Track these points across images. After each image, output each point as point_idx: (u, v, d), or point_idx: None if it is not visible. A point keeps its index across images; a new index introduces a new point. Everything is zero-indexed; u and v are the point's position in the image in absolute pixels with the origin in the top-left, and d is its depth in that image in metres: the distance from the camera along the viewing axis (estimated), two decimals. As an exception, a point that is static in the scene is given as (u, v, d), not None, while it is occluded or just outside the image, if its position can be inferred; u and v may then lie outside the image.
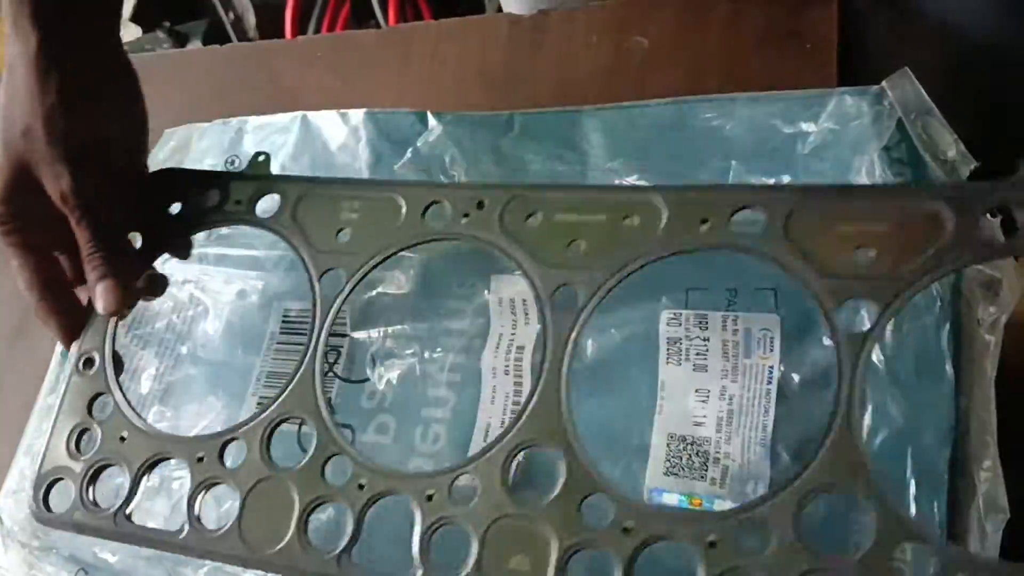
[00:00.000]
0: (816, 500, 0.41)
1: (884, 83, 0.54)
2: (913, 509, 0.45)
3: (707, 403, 0.50)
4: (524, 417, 0.47)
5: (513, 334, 0.54)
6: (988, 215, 0.41)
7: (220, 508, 0.53)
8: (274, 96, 0.76)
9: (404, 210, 0.53)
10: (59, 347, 0.66)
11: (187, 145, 0.73)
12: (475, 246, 0.51)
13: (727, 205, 0.46)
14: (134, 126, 0.57)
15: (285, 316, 0.62)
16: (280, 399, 0.52)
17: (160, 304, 0.65)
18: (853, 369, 0.42)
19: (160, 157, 0.73)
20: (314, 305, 0.53)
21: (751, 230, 0.46)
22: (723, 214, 0.46)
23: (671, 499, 0.49)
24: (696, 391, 0.50)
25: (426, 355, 0.58)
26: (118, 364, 0.56)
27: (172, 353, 0.63)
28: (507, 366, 0.55)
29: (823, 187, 0.45)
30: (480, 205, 0.52)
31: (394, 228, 0.53)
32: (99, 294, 0.54)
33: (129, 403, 0.55)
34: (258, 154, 0.59)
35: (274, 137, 0.70)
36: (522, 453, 0.47)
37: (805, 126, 0.56)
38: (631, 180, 0.58)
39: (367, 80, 0.75)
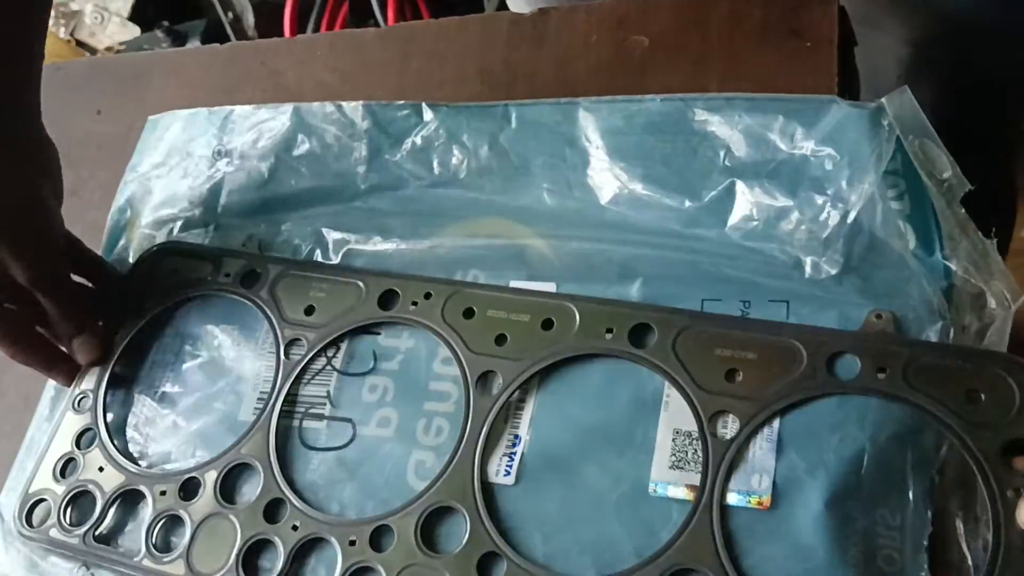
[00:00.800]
0: (675, 576, 0.49)
1: (884, 100, 0.55)
2: (910, 505, 0.48)
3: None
4: (442, 480, 0.55)
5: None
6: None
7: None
8: (274, 95, 0.77)
9: (364, 295, 0.62)
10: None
11: (173, 135, 0.76)
12: (419, 329, 0.60)
13: (628, 320, 0.55)
14: (57, 195, 0.65)
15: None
16: (240, 444, 0.60)
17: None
18: (717, 468, 0.50)
19: (146, 151, 0.76)
20: (277, 368, 0.62)
21: (648, 341, 0.55)
22: (624, 327, 0.55)
23: (676, 492, 0.51)
24: None
25: (428, 349, 0.61)
26: (106, 405, 0.65)
27: (176, 352, 0.67)
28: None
29: (709, 315, 0.54)
30: (428, 296, 0.60)
31: (353, 310, 0.62)
32: (76, 349, 0.64)
33: (112, 440, 0.63)
34: (250, 235, 0.68)
35: (263, 127, 0.71)
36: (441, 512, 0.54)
37: (804, 142, 0.57)
38: (636, 187, 0.60)
39: (366, 79, 0.76)
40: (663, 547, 0.49)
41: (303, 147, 0.70)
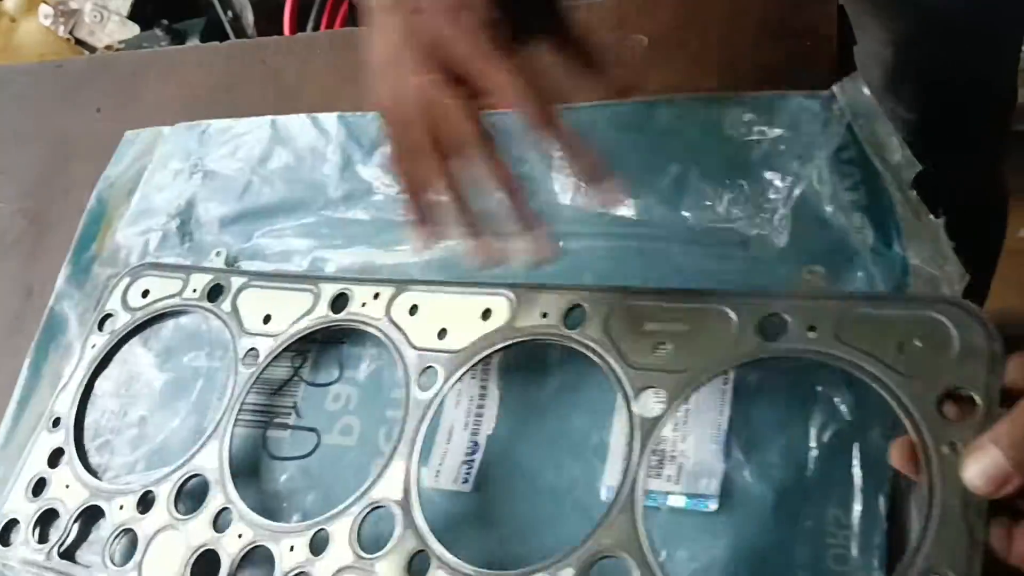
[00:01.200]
0: (599, 562, 0.45)
1: (834, 88, 0.56)
2: (859, 503, 0.46)
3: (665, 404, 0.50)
4: (380, 479, 0.53)
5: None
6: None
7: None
8: (273, 93, 0.78)
9: (317, 300, 0.61)
10: (28, 361, 0.71)
11: (151, 150, 0.77)
12: (365, 330, 0.59)
13: (561, 303, 0.53)
14: None
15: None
16: (194, 455, 0.59)
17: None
18: (642, 449, 0.47)
19: (123, 163, 0.76)
20: (235, 378, 0.61)
21: (581, 322, 0.52)
22: (559, 310, 0.53)
23: None
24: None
25: (392, 356, 0.59)
26: (80, 424, 0.66)
27: (147, 367, 0.68)
28: (475, 371, 0.57)
29: (640, 289, 0.51)
30: (376, 296, 0.59)
31: (307, 315, 0.61)
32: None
33: (81, 459, 0.64)
34: (217, 252, 0.69)
35: (240, 141, 0.73)
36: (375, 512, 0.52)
37: (759, 130, 0.58)
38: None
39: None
40: (592, 530, 0.46)
41: (278, 159, 0.72)
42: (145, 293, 0.68)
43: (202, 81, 0.83)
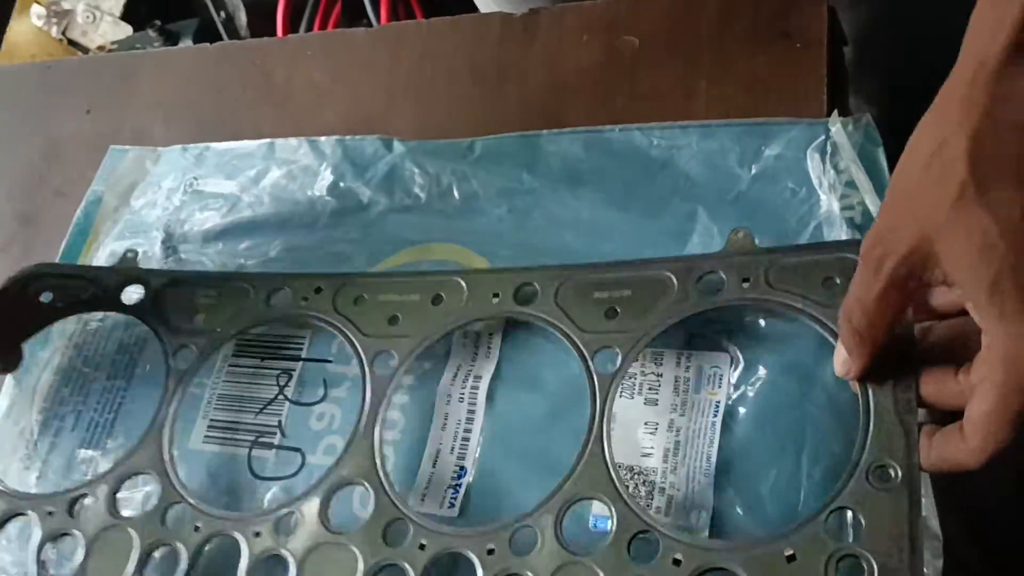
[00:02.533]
0: (573, 508, 0.49)
1: (829, 120, 0.58)
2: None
3: (655, 435, 0.53)
4: (343, 458, 0.55)
5: (472, 365, 0.58)
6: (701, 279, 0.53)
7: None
8: (265, 94, 0.79)
9: (253, 296, 0.62)
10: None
11: (141, 167, 0.76)
12: (313, 324, 0.61)
13: (511, 283, 0.57)
14: None
15: (239, 338, 0.64)
16: (132, 454, 0.59)
17: (109, 331, 0.68)
18: (603, 402, 0.52)
19: (111, 180, 0.76)
20: (167, 376, 0.61)
21: (532, 299, 0.56)
22: (508, 290, 0.57)
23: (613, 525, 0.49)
24: (645, 424, 0.53)
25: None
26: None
27: (124, 374, 0.66)
28: (462, 394, 0.58)
29: (581, 265, 0.57)
30: (318, 290, 0.61)
31: (243, 312, 0.62)
32: None
33: None
34: (128, 251, 0.68)
35: (236, 161, 0.73)
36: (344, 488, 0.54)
37: (756, 168, 0.59)
38: (595, 212, 0.62)
39: (357, 78, 0.77)
40: (562, 481, 0.50)
41: (270, 178, 0.71)
42: (45, 298, 0.66)
43: (193, 82, 0.82)
